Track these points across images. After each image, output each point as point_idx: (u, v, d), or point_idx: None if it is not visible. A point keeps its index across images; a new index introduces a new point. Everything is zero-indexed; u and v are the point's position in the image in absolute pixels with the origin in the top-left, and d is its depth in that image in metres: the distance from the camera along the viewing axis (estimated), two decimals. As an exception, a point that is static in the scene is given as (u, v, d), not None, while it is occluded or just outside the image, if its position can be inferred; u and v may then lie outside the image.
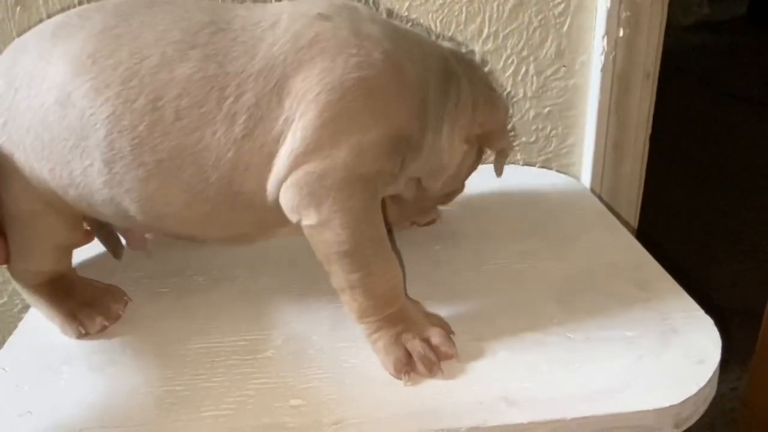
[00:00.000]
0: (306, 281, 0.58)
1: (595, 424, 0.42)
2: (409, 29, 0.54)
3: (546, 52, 0.83)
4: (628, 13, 0.80)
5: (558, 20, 0.82)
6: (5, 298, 0.90)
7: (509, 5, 0.80)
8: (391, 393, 0.44)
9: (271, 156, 0.45)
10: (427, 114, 0.48)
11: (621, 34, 0.81)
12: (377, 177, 0.46)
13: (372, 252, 0.46)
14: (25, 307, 0.91)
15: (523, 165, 0.88)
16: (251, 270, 0.60)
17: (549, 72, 0.84)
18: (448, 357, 0.46)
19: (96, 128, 0.44)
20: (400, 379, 0.45)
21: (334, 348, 0.49)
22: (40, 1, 0.74)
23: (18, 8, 0.74)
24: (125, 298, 0.54)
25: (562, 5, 0.81)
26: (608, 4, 0.79)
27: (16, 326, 0.54)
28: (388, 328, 0.47)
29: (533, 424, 0.41)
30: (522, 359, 0.47)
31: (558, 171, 0.88)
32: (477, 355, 0.47)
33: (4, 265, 0.52)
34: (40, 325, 0.52)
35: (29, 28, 0.52)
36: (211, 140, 0.44)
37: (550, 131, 0.88)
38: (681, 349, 0.47)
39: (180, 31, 0.45)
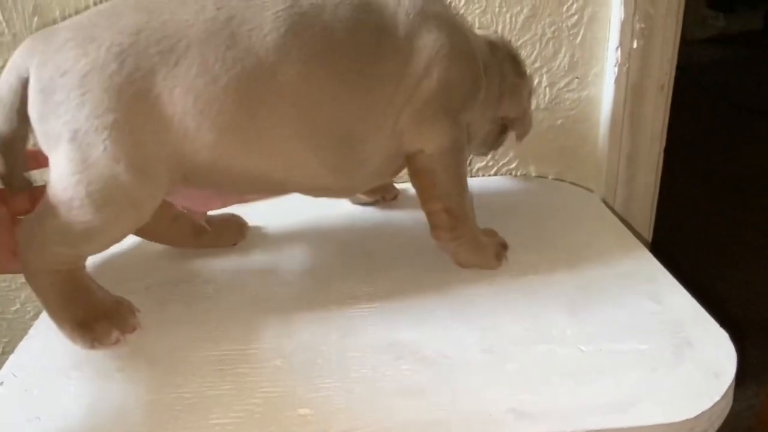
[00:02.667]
0: (315, 290, 0.57)
1: (607, 437, 0.41)
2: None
3: (559, 64, 0.83)
4: (642, 25, 0.80)
5: (571, 32, 0.82)
6: (17, 306, 0.91)
7: (522, 16, 0.80)
8: (400, 403, 0.44)
9: (407, 94, 0.55)
10: (482, 81, 0.60)
11: (635, 45, 0.81)
12: (467, 118, 0.60)
13: (465, 174, 0.60)
14: (36, 315, 0.91)
15: (536, 176, 0.87)
16: (260, 278, 0.60)
17: (562, 83, 0.84)
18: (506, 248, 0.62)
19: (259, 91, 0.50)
20: (500, 265, 0.60)
21: (344, 357, 0.48)
22: (57, 12, 0.76)
23: (35, 18, 0.76)
24: (136, 311, 0.54)
25: (576, 17, 0.81)
26: (622, 16, 0.79)
27: (27, 333, 0.55)
28: (468, 237, 0.59)
29: (543, 437, 0.41)
30: (532, 371, 0.46)
31: (571, 183, 0.87)
32: (487, 366, 0.47)
33: (16, 271, 0.52)
34: (51, 330, 0.52)
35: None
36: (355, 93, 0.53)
37: (564, 143, 0.87)
38: (695, 363, 0.46)
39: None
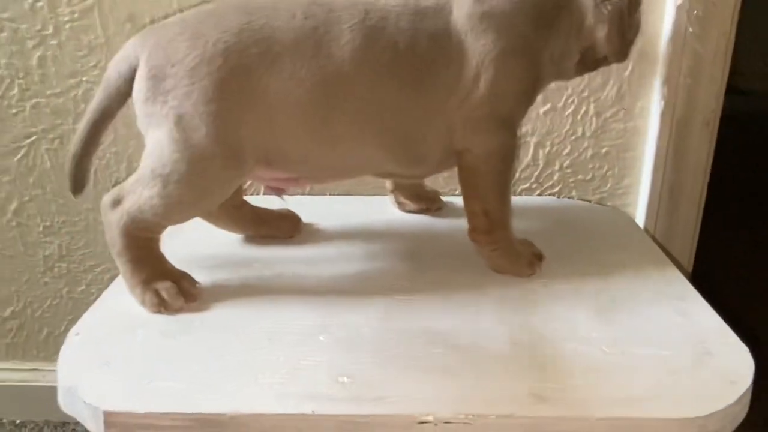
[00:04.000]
0: (360, 281, 0.62)
1: (620, 426, 0.44)
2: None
3: (606, 95, 0.87)
4: (690, 63, 0.83)
5: (619, 65, 0.85)
6: (83, 286, 0.99)
7: (573, 48, 0.84)
8: (429, 379, 0.48)
9: (460, 97, 0.59)
10: (543, 77, 0.64)
11: (681, 82, 0.84)
12: (520, 119, 0.64)
13: (509, 184, 0.63)
14: (99, 296, 0.99)
15: (578, 200, 0.90)
16: (311, 267, 0.65)
17: (608, 114, 0.88)
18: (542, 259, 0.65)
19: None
20: (533, 273, 0.63)
21: (381, 338, 0.53)
22: (147, 19, 0.84)
23: (128, 24, 0.84)
24: (198, 283, 0.60)
25: (625, 51, 0.85)
26: (670, 53, 0.83)
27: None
28: (503, 243, 0.63)
29: (559, 419, 0.44)
30: (557, 364, 0.49)
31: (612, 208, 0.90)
32: (513, 356, 0.50)
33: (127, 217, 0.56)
34: (122, 294, 0.58)
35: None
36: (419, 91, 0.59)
37: (607, 171, 0.91)
38: (713, 370, 0.48)
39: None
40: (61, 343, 1.03)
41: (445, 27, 0.59)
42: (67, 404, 0.48)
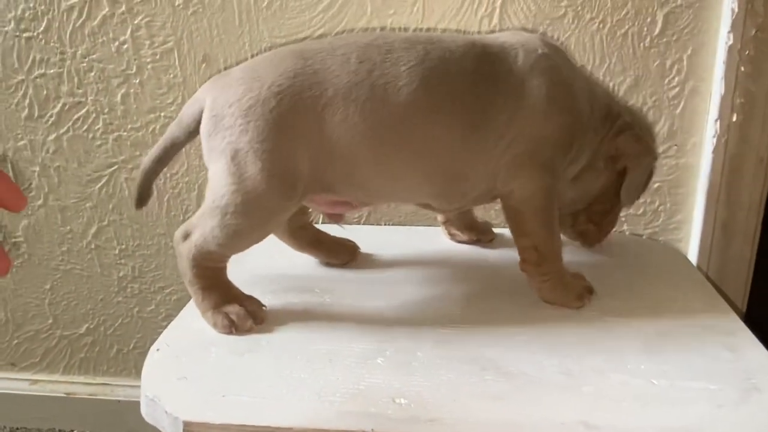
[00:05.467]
0: (415, 308, 0.65)
1: (667, 456, 0.45)
2: (587, 75, 0.73)
3: (659, 131, 0.88)
4: (742, 100, 0.84)
5: (672, 102, 0.87)
6: (152, 306, 1.05)
7: (625, 85, 0.87)
8: (480, 404, 0.50)
9: (507, 142, 0.63)
10: (583, 134, 0.67)
11: (734, 119, 0.85)
12: (560, 167, 0.66)
13: (554, 220, 0.66)
14: (168, 316, 1.05)
15: (630, 235, 0.92)
16: (370, 293, 0.68)
17: (660, 150, 0.89)
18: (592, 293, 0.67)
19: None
20: (582, 306, 0.65)
21: (434, 363, 0.56)
22: (221, 61, 0.91)
23: (204, 65, 0.91)
24: (264, 307, 0.64)
25: (677, 89, 0.87)
26: (722, 91, 0.84)
27: (159, 333, 0.64)
28: (554, 275, 0.65)
29: (608, 445, 0.46)
30: (605, 394, 0.51)
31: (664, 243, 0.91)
32: (563, 386, 0.53)
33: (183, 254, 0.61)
34: (194, 316, 0.63)
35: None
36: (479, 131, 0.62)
37: (659, 206, 0.92)
38: (761, 405, 0.50)
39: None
40: (130, 359, 1.10)
41: (507, 73, 0.63)
42: (148, 413, 0.52)
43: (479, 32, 0.86)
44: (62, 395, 1.10)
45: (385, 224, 0.95)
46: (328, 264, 0.75)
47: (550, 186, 0.65)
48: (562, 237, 0.70)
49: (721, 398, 0.50)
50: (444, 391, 0.52)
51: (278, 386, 0.53)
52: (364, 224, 0.95)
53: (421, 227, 0.90)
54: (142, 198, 0.66)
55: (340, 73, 0.60)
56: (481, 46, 0.64)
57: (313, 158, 0.60)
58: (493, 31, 0.84)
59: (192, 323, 0.63)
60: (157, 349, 0.59)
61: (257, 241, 0.64)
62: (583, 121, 0.66)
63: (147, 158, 0.65)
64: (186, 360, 0.57)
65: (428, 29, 0.87)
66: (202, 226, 0.61)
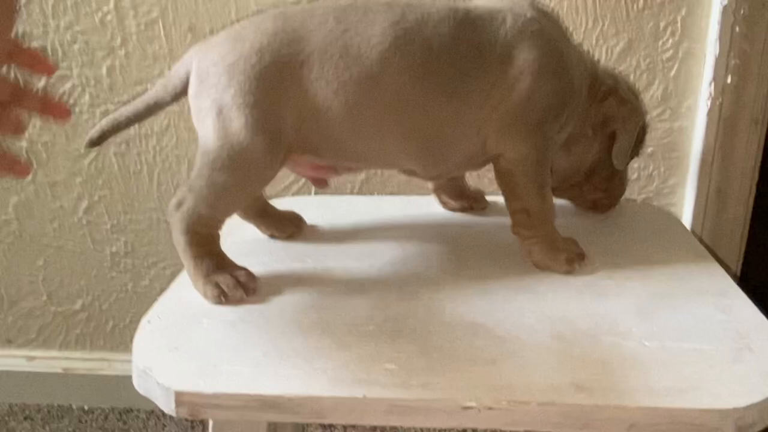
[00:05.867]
0: (407, 276, 0.65)
1: (657, 416, 0.45)
2: (575, 43, 0.70)
3: (652, 94, 0.88)
4: (737, 61, 0.83)
5: (666, 64, 0.86)
6: (147, 281, 1.05)
7: (618, 48, 0.86)
8: (471, 368, 0.50)
9: (493, 105, 0.63)
10: (571, 100, 0.66)
11: (729, 81, 0.84)
12: (551, 131, 0.65)
13: (546, 183, 0.66)
14: (163, 290, 1.04)
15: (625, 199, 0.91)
16: (362, 263, 0.68)
17: (654, 113, 0.88)
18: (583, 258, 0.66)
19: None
20: (571, 271, 0.64)
21: (426, 330, 0.56)
22: (207, 29, 0.89)
23: (189, 35, 0.90)
24: (257, 278, 0.64)
25: (671, 51, 0.86)
26: (717, 52, 0.83)
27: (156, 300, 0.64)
28: (545, 239, 0.65)
29: (599, 407, 0.46)
30: (596, 356, 0.51)
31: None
32: (554, 349, 0.53)
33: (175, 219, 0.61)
34: (186, 287, 0.63)
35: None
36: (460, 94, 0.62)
37: (652, 170, 0.91)
38: (753, 364, 0.50)
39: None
40: (126, 334, 1.10)
41: (493, 38, 0.63)
42: (141, 385, 0.52)
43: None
44: (60, 371, 1.11)
45: (378, 194, 0.95)
46: (272, 236, 0.75)
47: (542, 148, 0.65)
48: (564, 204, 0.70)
49: (713, 358, 0.51)
50: (435, 356, 0.52)
51: (270, 355, 0.52)
52: (357, 194, 0.94)
53: (413, 196, 0.89)
54: (100, 140, 0.66)
55: (317, 32, 0.61)
56: (464, 11, 0.64)
57: (295, 115, 0.61)
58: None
59: (184, 295, 0.62)
60: (149, 321, 0.58)
61: (245, 200, 0.66)
62: (574, 86, 0.66)
63: (125, 109, 0.65)
64: (177, 331, 0.56)
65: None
66: (194, 189, 0.61)
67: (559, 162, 0.73)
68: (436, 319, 0.57)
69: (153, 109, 0.65)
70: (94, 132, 0.66)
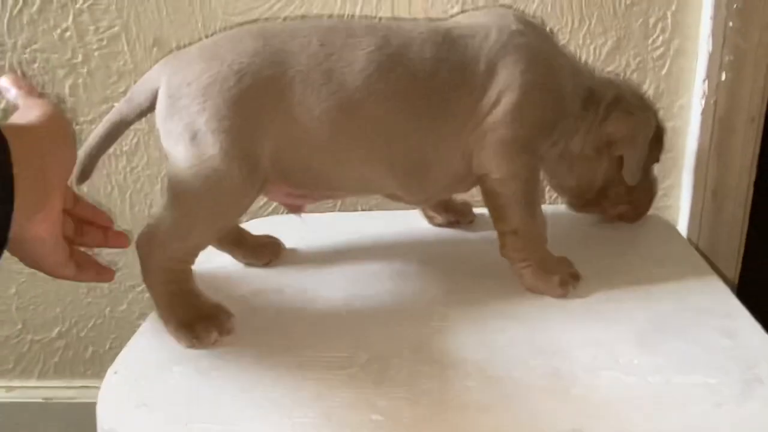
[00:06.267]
0: (392, 306, 0.61)
1: (666, 466, 0.42)
2: (568, 55, 0.67)
3: (643, 94, 0.83)
4: (731, 58, 0.79)
5: (656, 63, 0.82)
6: (125, 306, 1.01)
7: (606, 48, 0.82)
8: (464, 417, 0.47)
9: (476, 123, 0.59)
10: (564, 116, 0.63)
11: (723, 78, 0.80)
12: (540, 148, 0.62)
13: (535, 202, 0.62)
14: (142, 314, 1.01)
15: (616, 206, 0.87)
16: (344, 291, 0.64)
17: (648, 112, 0.84)
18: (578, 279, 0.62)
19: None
20: (565, 294, 0.60)
21: (413, 371, 0.52)
22: (174, 44, 0.84)
23: (155, 49, 0.85)
24: (232, 316, 0.59)
25: (662, 48, 0.82)
26: (710, 48, 0.79)
27: (134, 331, 0.61)
28: (536, 261, 0.61)
29: (602, 459, 0.42)
30: (597, 396, 0.48)
31: (653, 215, 0.87)
32: (552, 389, 0.49)
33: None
34: (157, 330, 0.59)
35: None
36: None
37: (646, 173, 0.87)
38: (764, 399, 0.46)
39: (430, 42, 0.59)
40: (107, 360, 1.05)
41: (476, 54, 0.59)
42: (107, 447, 0.48)
43: (451, 9, 0.80)
44: (40, 401, 1.06)
45: (360, 209, 0.90)
46: (249, 264, 0.70)
47: (530, 167, 0.61)
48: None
49: (720, 395, 0.47)
50: (424, 403, 0.48)
51: (246, 410, 0.49)
52: (338, 210, 0.90)
53: (397, 211, 0.85)
54: (84, 176, 0.62)
55: (300, 55, 0.57)
56: (445, 30, 0.60)
57: (274, 142, 0.57)
58: (465, 11, 0.78)
59: (154, 338, 0.58)
60: (115, 372, 0.54)
61: (221, 232, 0.62)
62: (566, 100, 0.62)
63: (92, 136, 0.61)
64: (146, 383, 0.52)
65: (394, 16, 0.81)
66: (163, 221, 0.57)
67: (566, 181, 0.70)
68: (424, 359, 0.53)
69: (120, 127, 0.61)
70: (75, 170, 0.60)
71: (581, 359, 0.52)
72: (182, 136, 0.56)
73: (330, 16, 0.82)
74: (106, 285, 0.99)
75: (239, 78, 0.56)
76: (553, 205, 0.86)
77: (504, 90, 0.59)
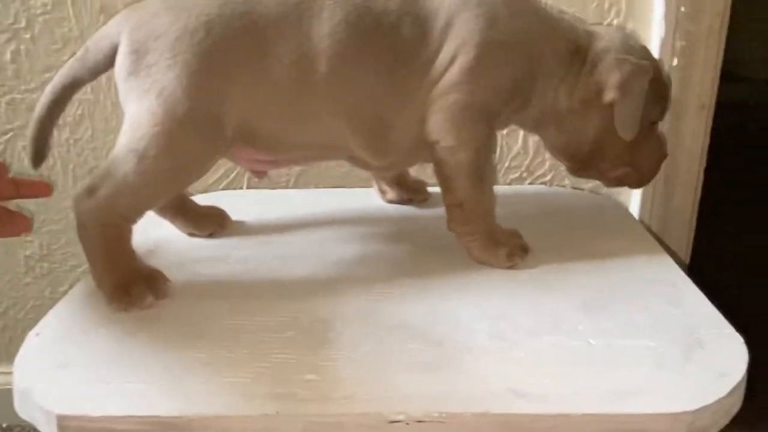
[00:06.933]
0: (337, 275, 0.60)
1: (604, 423, 0.41)
2: (550, 12, 0.63)
3: (597, 79, 0.84)
4: (683, 43, 0.80)
5: (611, 47, 0.82)
6: (65, 286, 0.96)
7: (562, 31, 0.81)
8: (404, 377, 0.45)
9: (431, 83, 0.57)
10: (536, 76, 0.60)
11: (675, 63, 0.81)
12: (498, 115, 0.60)
13: (487, 173, 0.60)
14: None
15: (571, 189, 0.87)
16: (287, 261, 0.62)
17: (601, 98, 0.84)
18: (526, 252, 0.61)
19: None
20: (513, 265, 0.59)
21: (354, 334, 0.50)
22: (121, 7, 0.81)
23: (102, 16, 0.82)
24: (168, 281, 0.57)
25: (616, 33, 0.82)
26: (662, 34, 0.80)
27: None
28: (483, 234, 0.60)
29: (538, 416, 0.41)
30: (538, 358, 0.47)
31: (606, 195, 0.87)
32: (493, 350, 0.48)
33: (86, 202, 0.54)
34: (87, 293, 0.56)
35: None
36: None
37: (600, 158, 0.87)
38: (704, 362, 0.46)
39: None
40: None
41: (437, 6, 0.57)
42: (22, 408, 0.45)
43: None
44: (-25, 387, 1.01)
45: (316, 187, 0.89)
46: (192, 234, 0.68)
47: (483, 137, 0.59)
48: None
49: (662, 356, 0.46)
50: (363, 364, 0.47)
51: (173, 369, 0.46)
52: (292, 187, 0.88)
53: (352, 189, 0.84)
54: (39, 154, 0.58)
55: (269, 4, 0.55)
56: None
57: (241, 97, 0.55)
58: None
59: (83, 302, 0.55)
60: (37, 334, 0.51)
61: (175, 192, 0.60)
62: (537, 61, 0.59)
63: (39, 104, 0.57)
64: (69, 344, 0.50)
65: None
66: (113, 174, 0.53)
67: (557, 140, 0.65)
68: (367, 323, 0.52)
69: (71, 88, 0.57)
70: (29, 150, 0.58)
71: (525, 324, 0.51)
72: (149, 93, 0.53)
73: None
74: (46, 264, 0.95)
75: (208, 30, 0.53)
76: (513, 186, 0.86)
77: (460, 48, 0.56)
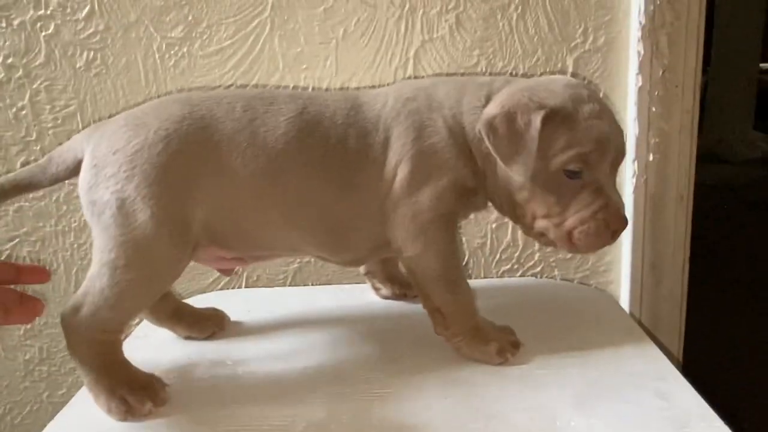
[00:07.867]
0: (332, 374, 0.61)
1: None
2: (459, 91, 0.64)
3: (579, 174, 0.88)
4: (657, 140, 0.85)
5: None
6: (64, 390, 0.96)
7: (542, 131, 0.86)
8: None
9: (384, 192, 0.60)
10: (474, 165, 0.61)
11: (651, 158, 0.85)
12: (453, 216, 0.61)
13: (456, 275, 0.61)
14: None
15: (560, 280, 0.90)
16: (285, 362, 0.63)
17: (583, 192, 0.88)
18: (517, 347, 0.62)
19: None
20: (503, 361, 0.60)
21: (352, 437, 0.51)
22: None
23: (110, 128, 0.87)
24: (167, 386, 0.58)
25: (593, 132, 0.87)
26: (637, 131, 0.85)
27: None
28: (469, 333, 0.61)
29: None
30: (532, 458, 0.47)
31: (596, 288, 0.89)
32: (488, 451, 0.49)
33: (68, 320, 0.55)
34: (87, 403, 0.56)
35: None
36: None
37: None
38: (695, 458, 0.47)
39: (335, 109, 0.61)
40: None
41: (375, 121, 0.61)
42: None
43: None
44: (-33, 496, 0.99)
45: (311, 284, 0.91)
46: (189, 338, 0.69)
47: (441, 241, 0.60)
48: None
49: (653, 453, 0.47)
50: (360, 469, 0.47)
51: (173, 479, 0.47)
52: (290, 285, 0.90)
53: (348, 285, 0.86)
54: None
55: (225, 120, 0.59)
56: (354, 97, 0.63)
57: (202, 204, 0.58)
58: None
59: (84, 412, 0.56)
60: (39, 446, 0.52)
61: (152, 299, 0.61)
62: (459, 151, 0.59)
63: None
64: (71, 455, 0.50)
65: (342, 85, 0.85)
66: (91, 291, 0.55)
67: (498, 205, 0.63)
68: (363, 424, 0.52)
69: (22, 189, 0.60)
70: None
71: (519, 422, 0.52)
72: (109, 205, 0.55)
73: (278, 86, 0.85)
74: (45, 368, 0.95)
75: (167, 143, 0.57)
76: (503, 279, 0.89)
77: (399, 162, 0.59)
